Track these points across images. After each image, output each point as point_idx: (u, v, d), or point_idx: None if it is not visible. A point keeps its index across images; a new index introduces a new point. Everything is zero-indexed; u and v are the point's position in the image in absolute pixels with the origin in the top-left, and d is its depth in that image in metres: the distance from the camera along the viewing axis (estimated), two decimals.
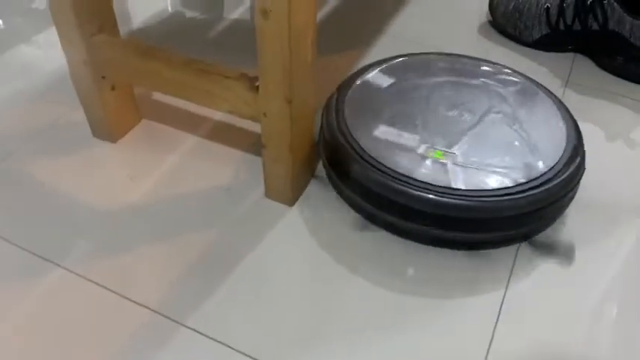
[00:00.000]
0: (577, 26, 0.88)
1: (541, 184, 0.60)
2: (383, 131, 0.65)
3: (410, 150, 0.63)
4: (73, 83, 0.71)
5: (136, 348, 0.55)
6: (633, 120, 0.82)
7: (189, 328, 0.56)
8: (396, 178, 0.60)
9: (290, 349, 0.55)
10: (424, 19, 1.02)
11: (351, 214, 0.67)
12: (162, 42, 0.94)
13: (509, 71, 0.75)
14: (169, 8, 1.03)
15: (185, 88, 0.64)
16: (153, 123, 0.79)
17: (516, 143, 0.65)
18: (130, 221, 0.66)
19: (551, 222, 0.65)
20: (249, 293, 0.60)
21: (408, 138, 0.65)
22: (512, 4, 0.95)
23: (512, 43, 0.96)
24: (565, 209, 0.66)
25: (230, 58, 0.70)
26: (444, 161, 0.62)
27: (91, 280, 0.60)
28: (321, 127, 0.70)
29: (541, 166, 0.62)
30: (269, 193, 0.67)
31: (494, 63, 0.77)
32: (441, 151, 0.63)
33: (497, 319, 0.58)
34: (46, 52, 0.92)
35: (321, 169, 0.72)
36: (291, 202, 0.67)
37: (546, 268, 0.63)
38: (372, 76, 0.74)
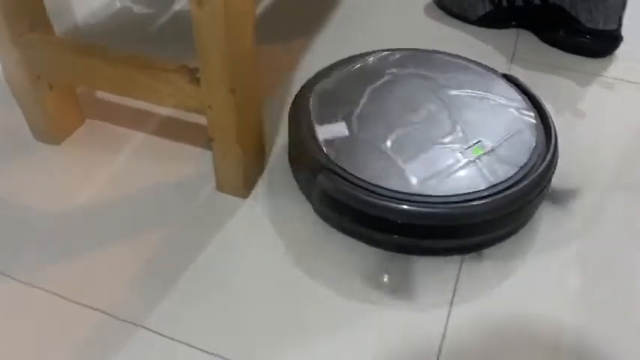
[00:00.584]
0: (519, 2, 0.89)
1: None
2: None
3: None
4: (8, 85, 0.68)
5: (91, 353, 0.54)
6: (579, 91, 0.83)
7: (146, 328, 0.55)
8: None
9: (248, 344, 0.55)
10: (370, 2, 1.02)
11: (307, 205, 0.67)
12: (106, 37, 0.91)
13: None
14: (117, 2, 1.00)
15: (125, 84, 0.62)
16: (98, 122, 0.77)
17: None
18: (80, 225, 0.64)
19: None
20: (204, 290, 0.59)
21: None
22: None
23: (458, 22, 0.96)
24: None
25: (177, 51, 0.68)
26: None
27: (41, 288, 0.58)
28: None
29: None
30: (221, 186, 0.66)
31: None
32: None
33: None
34: None
35: (274, 158, 0.72)
36: (244, 193, 0.66)
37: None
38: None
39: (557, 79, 0.86)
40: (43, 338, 0.55)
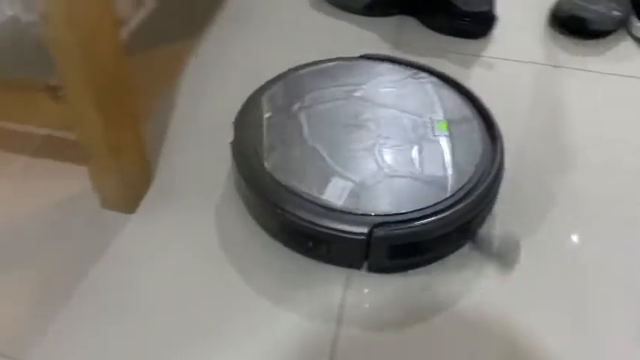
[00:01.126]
0: None
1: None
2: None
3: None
4: None
5: None
6: (463, 72, 0.86)
7: None
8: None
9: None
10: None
11: (193, 216, 0.66)
12: None
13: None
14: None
15: None
16: None
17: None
18: None
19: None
20: (92, 315, 0.57)
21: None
22: None
23: (344, 13, 0.97)
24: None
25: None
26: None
27: None
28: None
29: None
30: (105, 203, 0.64)
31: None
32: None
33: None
34: None
35: (163, 170, 0.70)
36: (130, 209, 0.65)
37: None
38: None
39: (441, 62, 0.88)
40: None
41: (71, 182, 0.68)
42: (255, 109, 0.68)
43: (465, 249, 0.62)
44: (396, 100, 0.70)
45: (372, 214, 0.57)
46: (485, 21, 0.90)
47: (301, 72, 0.73)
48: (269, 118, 0.67)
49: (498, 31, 0.93)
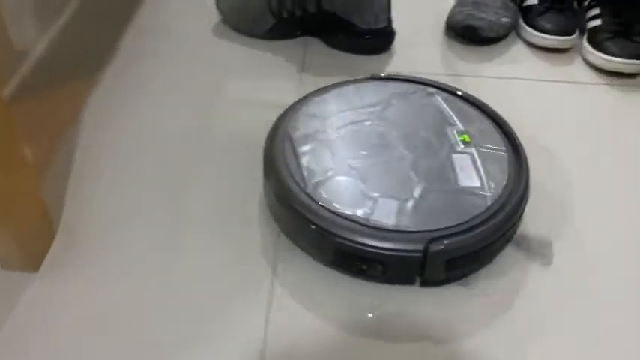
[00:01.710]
0: (298, 12, 0.93)
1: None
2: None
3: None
4: None
5: None
6: None
7: None
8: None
9: None
10: (157, 26, 0.99)
11: (101, 265, 0.63)
12: None
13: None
14: None
15: None
16: None
17: None
18: None
19: None
20: None
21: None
22: (236, 2, 0.98)
23: (247, 38, 0.98)
24: None
25: None
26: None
27: None
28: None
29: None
30: (3, 264, 0.60)
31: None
32: None
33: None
34: None
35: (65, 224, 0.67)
36: (33, 267, 0.61)
37: None
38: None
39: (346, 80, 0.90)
40: None
41: None
42: (281, 139, 0.69)
43: (507, 251, 0.67)
44: (415, 116, 0.73)
45: (423, 229, 0.60)
46: (384, 37, 0.94)
47: (317, 98, 0.76)
48: (298, 146, 0.68)
49: (399, 45, 0.96)
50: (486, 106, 0.75)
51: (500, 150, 0.69)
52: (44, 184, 0.67)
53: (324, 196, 0.63)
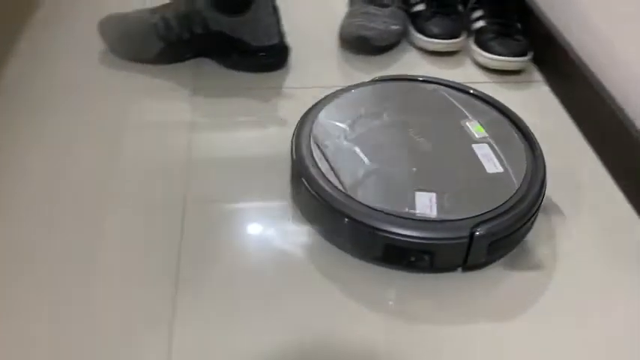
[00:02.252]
0: (186, 35, 0.90)
1: None
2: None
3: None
4: None
5: None
6: (266, 107, 0.89)
7: None
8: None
9: None
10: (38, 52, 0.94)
11: None
12: None
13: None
14: None
15: None
16: None
17: None
18: None
19: None
20: None
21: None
22: (120, 28, 0.93)
23: (136, 65, 0.94)
24: None
25: None
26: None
27: None
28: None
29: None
30: None
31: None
32: None
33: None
34: None
35: None
36: None
37: None
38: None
39: (244, 100, 0.89)
40: None
41: None
42: (307, 146, 0.71)
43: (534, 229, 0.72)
44: (428, 111, 0.77)
45: (465, 217, 0.64)
46: (278, 53, 0.93)
47: (329, 105, 0.78)
48: (326, 151, 0.71)
49: (295, 60, 0.96)
50: (489, 97, 0.80)
51: (513, 137, 0.74)
52: None
53: (364, 195, 0.66)
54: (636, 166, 0.74)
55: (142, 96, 0.89)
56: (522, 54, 0.94)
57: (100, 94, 0.89)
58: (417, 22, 1.01)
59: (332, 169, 0.68)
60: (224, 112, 0.87)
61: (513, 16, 0.99)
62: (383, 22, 0.98)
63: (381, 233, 0.63)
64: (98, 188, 0.74)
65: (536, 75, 0.97)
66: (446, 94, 0.80)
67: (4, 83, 0.89)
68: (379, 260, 0.66)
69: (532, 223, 0.70)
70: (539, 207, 0.69)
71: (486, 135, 0.73)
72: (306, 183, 0.67)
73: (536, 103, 0.93)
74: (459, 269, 0.66)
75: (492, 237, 0.63)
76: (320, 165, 0.68)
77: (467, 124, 0.75)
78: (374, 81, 0.83)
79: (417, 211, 0.64)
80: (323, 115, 0.75)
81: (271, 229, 0.71)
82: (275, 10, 0.91)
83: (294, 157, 0.71)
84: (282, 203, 0.73)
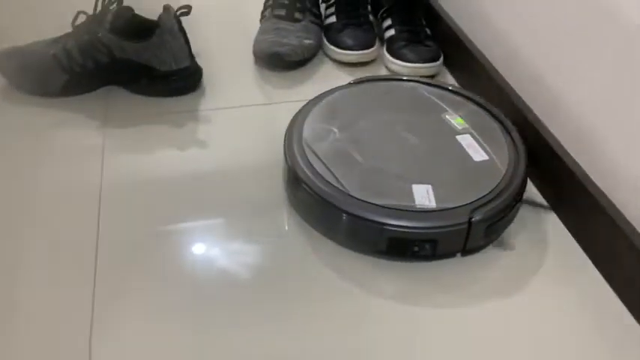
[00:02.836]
0: (90, 65, 0.85)
1: None
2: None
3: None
4: None
5: None
6: (181, 132, 0.86)
7: None
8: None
9: None
10: None
11: None
12: None
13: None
14: None
15: None
16: None
17: None
18: None
19: None
20: None
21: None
22: (18, 62, 0.87)
23: (41, 99, 0.88)
24: None
25: None
26: None
27: None
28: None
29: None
30: None
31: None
32: None
33: None
34: None
35: None
36: None
37: None
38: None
39: (158, 127, 0.86)
40: None
41: None
42: (301, 149, 0.73)
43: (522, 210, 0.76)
44: (410, 107, 0.80)
45: (461, 204, 0.67)
46: (189, 75, 0.90)
47: (314, 109, 0.79)
48: (320, 153, 0.72)
49: (209, 81, 0.94)
50: (463, 91, 0.84)
51: (491, 125, 0.77)
52: None
53: (364, 192, 0.67)
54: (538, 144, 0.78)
55: (50, 132, 0.84)
56: (433, 59, 0.96)
57: (2, 132, 0.84)
58: (330, 34, 1.01)
59: (328, 170, 0.69)
60: (137, 140, 0.82)
61: (422, 23, 1.00)
62: (296, 37, 0.97)
63: (385, 227, 0.65)
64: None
65: (449, 77, 0.99)
66: (424, 92, 0.83)
67: None
68: (383, 254, 0.68)
69: (520, 205, 0.73)
70: (525, 188, 0.73)
71: (467, 126, 0.76)
72: (305, 186, 0.69)
73: None
74: (459, 254, 0.69)
75: (488, 221, 0.67)
76: (316, 167, 0.70)
77: (447, 117, 0.78)
78: (351, 84, 0.85)
79: (417, 203, 0.66)
80: (310, 120, 0.77)
81: (216, 247, 0.70)
82: (182, 32, 0.88)
83: (289, 162, 0.72)
84: (217, 220, 0.73)
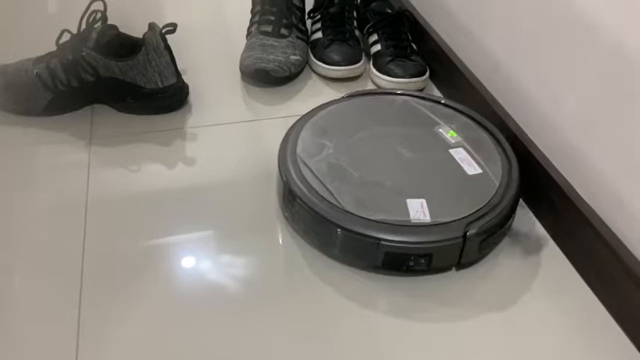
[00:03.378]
0: (75, 83, 0.84)
1: None
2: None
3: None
4: None
5: None
6: (168, 150, 0.85)
7: None
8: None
9: None
10: None
11: None
12: None
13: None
14: None
15: None
16: None
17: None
18: None
19: None
20: None
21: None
22: (1, 81, 0.85)
23: (25, 118, 0.86)
24: None
25: None
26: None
27: None
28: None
29: None
30: None
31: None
32: None
33: None
34: None
35: None
36: None
37: None
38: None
39: (145, 144, 0.85)
40: None
41: None
42: (296, 166, 0.73)
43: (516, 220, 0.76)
44: (403, 122, 0.80)
45: (456, 218, 0.67)
46: (175, 93, 0.90)
47: (308, 125, 0.79)
48: (315, 169, 0.72)
49: (196, 98, 0.94)
50: (455, 104, 0.84)
51: (483, 138, 0.78)
52: None
53: (359, 207, 0.67)
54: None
55: (34, 150, 0.83)
56: (419, 74, 0.96)
57: None
58: (316, 50, 1.01)
59: (323, 184, 0.70)
60: (123, 158, 0.82)
61: (407, 38, 1.01)
62: (282, 52, 0.97)
63: (381, 243, 0.65)
64: None
65: (435, 92, 0.99)
66: (416, 105, 0.83)
67: None
68: (380, 268, 0.67)
69: (514, 217, 0.73)
70: (517, 202, 0.73)
71: (460, 139, 0.77)
72: (300, 201, 0.68)
73: None
74: (454, 268, 0.69)
75: (483, 235, 0.66)
76: (310, 182, 0.70)
77: (440, 130, 0.78)
78: (344, 98, 0.85)
79: (412, 218, 0.66)
80: (304, 135, 0.77)
81: (207, 262, 0.70)
82: (168, 49, 0.87)
83: (284, 178, 0.71)
84: (201, 231, 0.72)
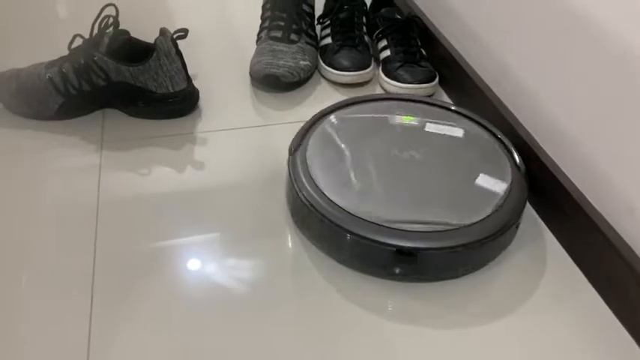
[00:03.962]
0: (87, 87, 0.85)
1: None
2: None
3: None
4: None
5: None
6: (179, 154, 0.86)
7: None
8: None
9: None
10: None
11: None
12: None
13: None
14: None
15: None
16: None
17: None
18: None
19: None
20: None
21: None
22: (14, 85, 0.87)
23: (37, 122, 0.88)
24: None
25: None
26: None
27: None
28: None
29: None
30: None
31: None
32: None
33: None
34: None
35: None
36: None
37: None
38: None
39: (155, 149, 0.86)
40: None
41: None
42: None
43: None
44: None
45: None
46: (186, 98, 0.90)
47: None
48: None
49: (207, 102, 0.94)
50: (465, 110, 0.84)
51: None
52: None
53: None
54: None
55: (46, 154, 0.84)
56: (429, 80, 0.96)
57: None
58: (326, 55, 1.01)
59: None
60: (134, 162, 0.82)
61: (417, 44, 1.01)
62: (292, 58, 0.98)
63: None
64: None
65: (445, 97, 0.99)
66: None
67: None
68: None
69: (520, 222, 0.74)
70: (523, 208, 0.73)
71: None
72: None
73: None
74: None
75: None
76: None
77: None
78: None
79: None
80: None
81: (213, 263, 0.70)
82: (179, 55, 0.88)
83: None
84: (210, 235, 0.73)
